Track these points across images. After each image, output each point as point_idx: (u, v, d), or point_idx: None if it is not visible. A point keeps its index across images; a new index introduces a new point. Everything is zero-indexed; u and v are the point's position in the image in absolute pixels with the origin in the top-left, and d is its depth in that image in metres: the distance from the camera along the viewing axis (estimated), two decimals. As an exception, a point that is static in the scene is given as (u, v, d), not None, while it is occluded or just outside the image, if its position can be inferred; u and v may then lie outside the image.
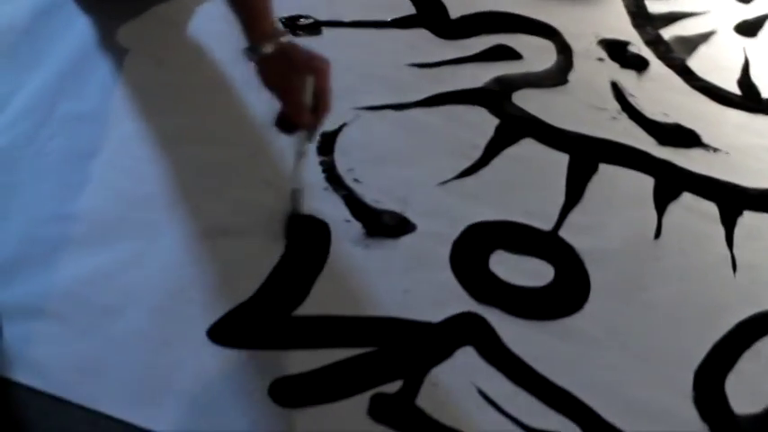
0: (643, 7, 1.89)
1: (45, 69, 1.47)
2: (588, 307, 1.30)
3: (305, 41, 1.58)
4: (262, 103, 1.44)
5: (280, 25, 1.24)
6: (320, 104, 1.24)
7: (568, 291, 1.32)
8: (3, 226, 1.24)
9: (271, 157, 1.40)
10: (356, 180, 1.39)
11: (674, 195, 1.50)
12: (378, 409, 1.12)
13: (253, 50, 1.23)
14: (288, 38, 1.25)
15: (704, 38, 1.84)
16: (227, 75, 1.52)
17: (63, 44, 1.51)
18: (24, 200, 1.28)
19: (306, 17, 1.66)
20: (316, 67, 1.23)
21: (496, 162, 1.48)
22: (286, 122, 1.26)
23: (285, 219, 1.31)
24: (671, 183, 1.51)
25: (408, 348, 1.20)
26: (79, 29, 1.54)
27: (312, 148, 1.41)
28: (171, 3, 1.62)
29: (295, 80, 1.22)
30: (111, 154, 1.37)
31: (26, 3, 1.56)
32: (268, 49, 1.22)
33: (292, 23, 1.64)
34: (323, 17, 1.68)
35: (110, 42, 1.53)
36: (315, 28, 1.65)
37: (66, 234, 1.25)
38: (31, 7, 1.56)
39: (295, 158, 1.29)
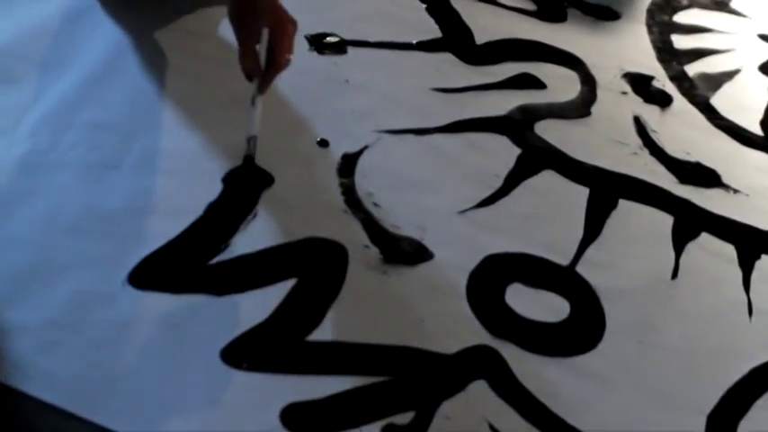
0: (669, 42, 1.88)
1: (70, 76, 1.46)
2: (602, 346, 1.29)
3: (330, 59, 1.60)
4: (286, 115, 1.46)
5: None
6: (272, 59, 1.29)
7: (583, 328, 1.31)
8: (19, 234, 1.23)
9: (296, 173, 1.40)
10: (375, 204, 1.39)
11: (693, 235, 1.49)
12: (389, 440, 1.12)
13: None
14: None
15: (729, 76, 1.84)
16: (249, 90, 1.51)
17: (89, 51, 1.51)
18: (42, 209, 1.27)
19: (332, 35, 1.66)
20: (276, 21, 1.28)
21: (516, 192, 1.48)
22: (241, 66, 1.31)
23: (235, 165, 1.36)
24: (690, 222, 1.51)
25: (421, 379, 1.20)
26: (106, 37, 1.53)
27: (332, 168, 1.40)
28: (198, 13, 1.62)
29: (251, 24, 1.28)
30: (132, 166, 1.36)
31: (55, 6, 1.56)
32: None
33: (318, 41, 1.64)
34: (348, 36, 1.67)
35: (136, 52, 1.52)
36: (340, 47, 1.65)
37: (83, 245, 1.25)
38: (60, 11, 1.55)
39: (249, 106, 1.34)
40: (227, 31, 1.55)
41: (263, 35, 1.29)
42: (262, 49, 1.30)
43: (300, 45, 1.61)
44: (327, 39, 1.65)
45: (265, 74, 1.31)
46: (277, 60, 1.30)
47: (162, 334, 1.16)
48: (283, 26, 1.29)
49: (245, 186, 1.35)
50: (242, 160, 1.36)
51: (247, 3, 1.28)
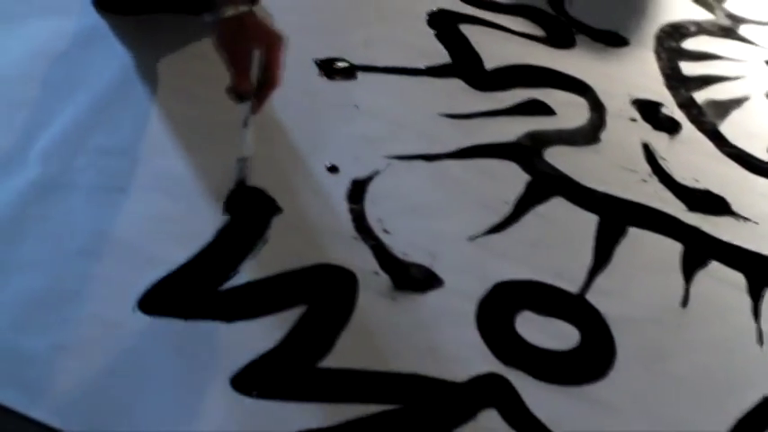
0: (677, 69, 1.88)
1: (80, 99, 1.46)
2: (613, 374, 1.29)
3: (340, 85, 1.60)
4: (296, 141, 1.46)
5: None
6: (267, 77, 1.29)
7: (593, 356, 1.31)
8: (31, 259, 1.23)
9: (305, 199, 1.40)
10: (385, 231, 1.39)
11: (702, 263, 1.49)
12: (399, 469, 1.11)
13: (213, 13, 1.27)
14: (249, 7, 1.27)
15: (737, 103, 1.84)
16: (259, 115, 1.51)
17: (99, 74, 1.51)
18: (53, 233, 1.27)
19: (342, 60, 1.66)
20: (267, 40, 1.28)
21: (526, 219, 1.48)
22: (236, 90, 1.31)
23: (229, 189, 1.35)
24: (699, 250, 1.51)
25: (432, 407, 1.19)
26: (116, 60, 1.53)
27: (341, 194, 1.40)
28: (205, 40, 1.62)
29: (243, 47, 1.27)
30: (142, 189, 1.36)
31: (65, 28, 1.56)
32: (226, 12, 1.26)
33: (328, 66, 1.64)
34: (358, 61, 1.67)
35: (146, 76, 1.52)
36: (350, 72, 1.65)
37: (93, 270, 1.24)
38: (69, 34, 1.55)
39: (241, 128, 1.33)
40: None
41: (256, 55, 1.29)
42: (253, 70, 1.30)
43: (310, 70, 1.63)
44: (337, 64, 1.65)
45: (260, 93, 1.31)
46: (271, 80, 1.30)
47: (172, 360, 1.16)
48: (275, 44, 1.28)
49: (249, 211, 1.35)
50: (234, 184, 1.36)
51: (237, 27, 1.27)
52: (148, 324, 1.20)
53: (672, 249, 1.50)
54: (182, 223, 1.33)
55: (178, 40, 1.60)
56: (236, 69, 1.29)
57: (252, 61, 1.30)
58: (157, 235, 1.30)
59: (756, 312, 1.43)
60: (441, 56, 1.75)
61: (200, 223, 1.33)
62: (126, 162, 1.39)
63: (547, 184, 1.54)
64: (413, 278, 1.33)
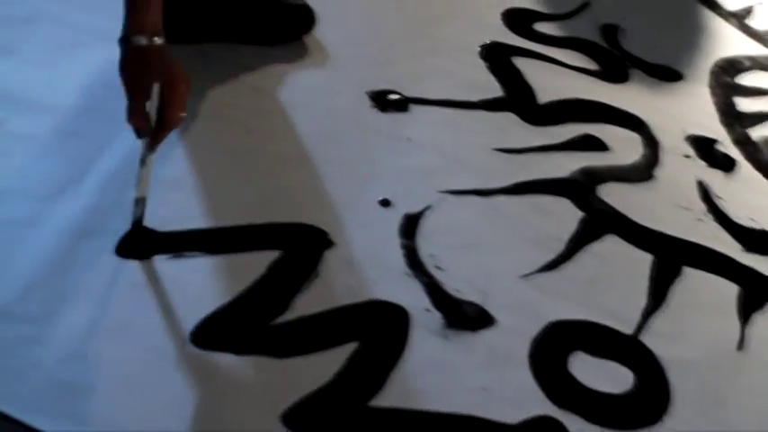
0: (732, 104, 1.86)
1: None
2: (668, 420, 1.26)
3: (393, 117, 1.60)
4: (348, 174, 1.45)
5: (159, 24, 1.23)
6: (164, 116, 1.22)
7: (648, 400, 1.28)
8: (84, 290, 1.24)
9: (358, 233, 1.40)
10: (438, 267, 1.38)
11: (759, 305, 1.46)
12: None
13: (124, 40, 1.22)
14: (161, 40, 1.22)
15: (794, 141, 1.81)
16: (313, 147, 1.52)
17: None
18: (107, 264, 1.27)
19: (394, 92, 1.66)
20: (169, 76, 1.21)
21: (579, 257, 1.46)
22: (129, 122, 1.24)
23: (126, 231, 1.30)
24: (756, 292, 1.48)
25: (485, 450, 1.18)
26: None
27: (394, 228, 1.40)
28: (259, 71, 1.63)
29: (142, 81, 1.21)
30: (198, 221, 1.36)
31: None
32: (137, 41, 1.21)
33: (381, 99, 1.64)
34: (410, 93, 1.67)
35: (200, 104, 1.53)
36: (403, 105, 1.64)
37: (147, 302, 1.25)
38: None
39: (138, 166, 1.26)
40: (290, 89, 1.57)
41: (154, 90, 1.21)
42: (153, 105, 1.22)
43: (362, 102, 1.62)
44: (390, 96, 1.65)
45: (156, 132, 1.24)
46: (168, 118, 1.22)
47: (223, 396, 1.15)
48: (176, 83, 1.21)
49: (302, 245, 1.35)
50: (131, 225, 1.31)
51: (138, 57, 1.21)
52: (200, 358, 1.19)
53: (728, 291, 1.48)
54: (236, 258, 1.33)
55: (234, 71, 1.61)
56: (130, 102, 1.22)
57: (152, 97, 1.22)
58: (210, 267, 1.30)
59: (815, 357, 1.40)
60: (494, 89, 1.74)
61: (253, 258, 1.33)
62: (183, 194, 1.40)
63: (601, 222, 1.52)
64: (465, 316, 1.32)
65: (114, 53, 1.22)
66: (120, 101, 1.47)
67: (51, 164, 1.39)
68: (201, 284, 1.28)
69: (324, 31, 1.73)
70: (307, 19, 1.70)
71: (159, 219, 1.34)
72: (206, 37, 1.63)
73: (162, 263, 1.30)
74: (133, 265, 1.28)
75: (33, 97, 1.49)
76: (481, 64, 1.79)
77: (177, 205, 1.37)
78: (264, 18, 1.65)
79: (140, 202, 1.29)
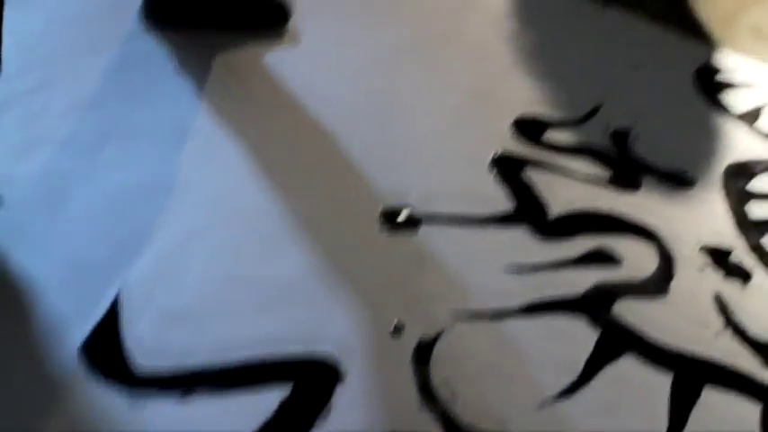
0: (746, 210, 1.84)
1: (145, 257, 1.47)
2: None
3: (403, 238, 1.58)
4: (359, 306, 1.44)
5: None
6: None
7: None
8: None
9: (370, 363, 1.38)
10: (452, 395, 1.35)
11: (783, 425, 1.43)
12: None
13: None
14: None
15: (811, 247, 1.79)
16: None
17: (164, 230, 1.52)
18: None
19: (403, 209, 1.64)
20: None
21: (597, 381, 1.43)
22: None
23: None
24: (778, 411, 1.45)
25: None
26: (182, 213, 1.54)
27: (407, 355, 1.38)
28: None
29: None
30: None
31: (134, 177, 1.59)
32: None
33: (390, 218, 1.62)
34: (420, 209, 1.65)
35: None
36: (413, 224, 1.63)
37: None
38: (137, 183, 1.60)
39: None
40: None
41: None
42: None
43: (372, 222, 1.61)
44: (399, 215, 1.63)
45: None
46: None
47: None
48: None
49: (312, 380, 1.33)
50: None
51: None
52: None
53: (750, 410, 1.45)
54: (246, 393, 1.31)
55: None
56: None
57: None
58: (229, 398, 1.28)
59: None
60: (503, 203, 1.73)
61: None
62: (191, 327, 1.39)
63: (617, 342, 1.50)
64: (483, 450, 1.30)
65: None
66: (126, 226, 1.50)
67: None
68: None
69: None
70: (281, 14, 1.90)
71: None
72: (205, 22, 1.83)
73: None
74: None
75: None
76: (490, 179, 1.77)
77: (183, 338, 1.36)
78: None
79: None
